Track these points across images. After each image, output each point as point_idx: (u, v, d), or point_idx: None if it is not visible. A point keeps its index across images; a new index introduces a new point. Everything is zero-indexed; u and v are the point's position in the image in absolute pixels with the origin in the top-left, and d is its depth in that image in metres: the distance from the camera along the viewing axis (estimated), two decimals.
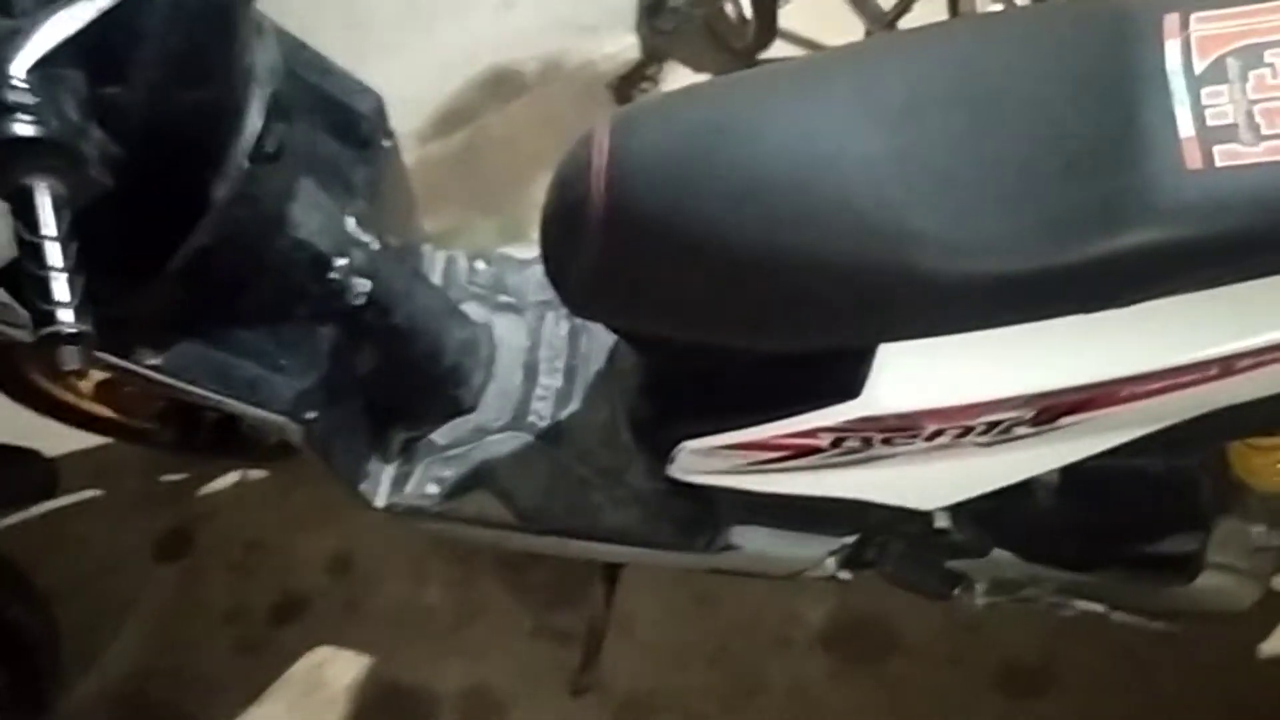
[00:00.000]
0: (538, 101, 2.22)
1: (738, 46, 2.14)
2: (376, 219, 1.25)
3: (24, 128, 0.70)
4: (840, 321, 0.91)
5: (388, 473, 1.38)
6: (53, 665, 1.42)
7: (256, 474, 1.78)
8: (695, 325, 0.98)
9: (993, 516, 1.12)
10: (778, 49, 2.12)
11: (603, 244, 0.96)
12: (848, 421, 0.96)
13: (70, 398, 1.53)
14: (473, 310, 1.46)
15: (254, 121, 1.00)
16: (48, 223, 0.71)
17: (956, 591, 1.18)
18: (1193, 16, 0.83)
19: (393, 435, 1.38)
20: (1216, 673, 1.39)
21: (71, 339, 0.71)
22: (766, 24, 2.06)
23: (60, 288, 0.71)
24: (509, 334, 1.45)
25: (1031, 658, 1.44)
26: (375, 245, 1.22)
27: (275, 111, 1.04)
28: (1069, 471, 1.03)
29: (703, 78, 2.23)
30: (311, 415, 1.17)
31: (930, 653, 1.46)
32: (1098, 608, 1.17)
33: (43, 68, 0.72)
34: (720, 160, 0.92)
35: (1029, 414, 0.90)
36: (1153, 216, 0.78)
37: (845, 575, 1.22)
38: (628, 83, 2.20)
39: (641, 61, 2.21)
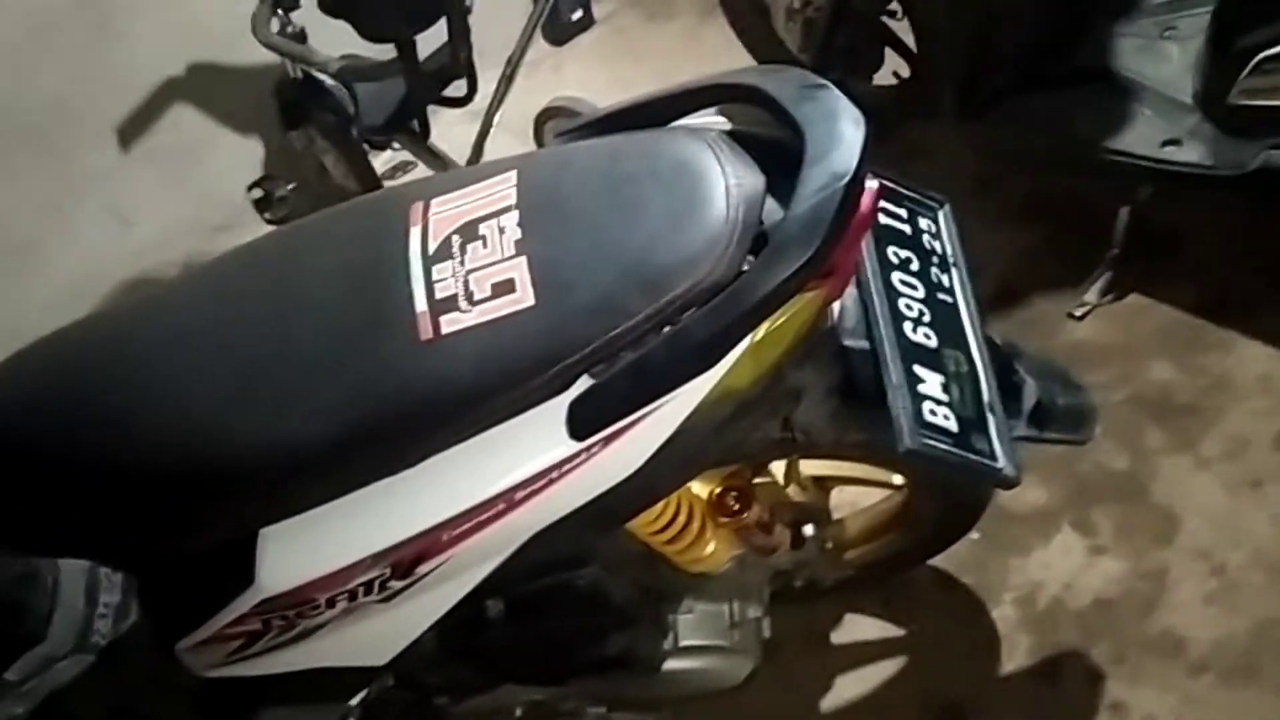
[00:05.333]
0: None
1: None
2: None
3: None
4: (204, 517, 0.98)
5: None
6: None
7: None
8: (95, 543, 1.04)
9: (475, 654, 1.19)
10: None
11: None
12: (256, 606, 1.02)
13: None
14: None
15: None
16: None
17: None
18: (433, 201, 0.95)
19: None
20: None
21: None
22: (368, 183, 2.18)
23: None
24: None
25: None
26: None
27: None
28: (511, 604, 1.12)
29: None
30: None
31: None
32: (601, 710, 1.24)
33: None
34: (85, 393, 1.00)
35: (387, 570, 0.98)
36: (394, 389, 0.89)
37: None
38: None
39: None
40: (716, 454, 1.02)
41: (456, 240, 0.93)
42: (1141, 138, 1.71)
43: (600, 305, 0.86)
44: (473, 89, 1.98)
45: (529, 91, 2.24)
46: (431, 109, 2.05)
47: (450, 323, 0.89)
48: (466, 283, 0.90)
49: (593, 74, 2.57)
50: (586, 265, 0.88)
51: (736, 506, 1.15)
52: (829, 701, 1.48)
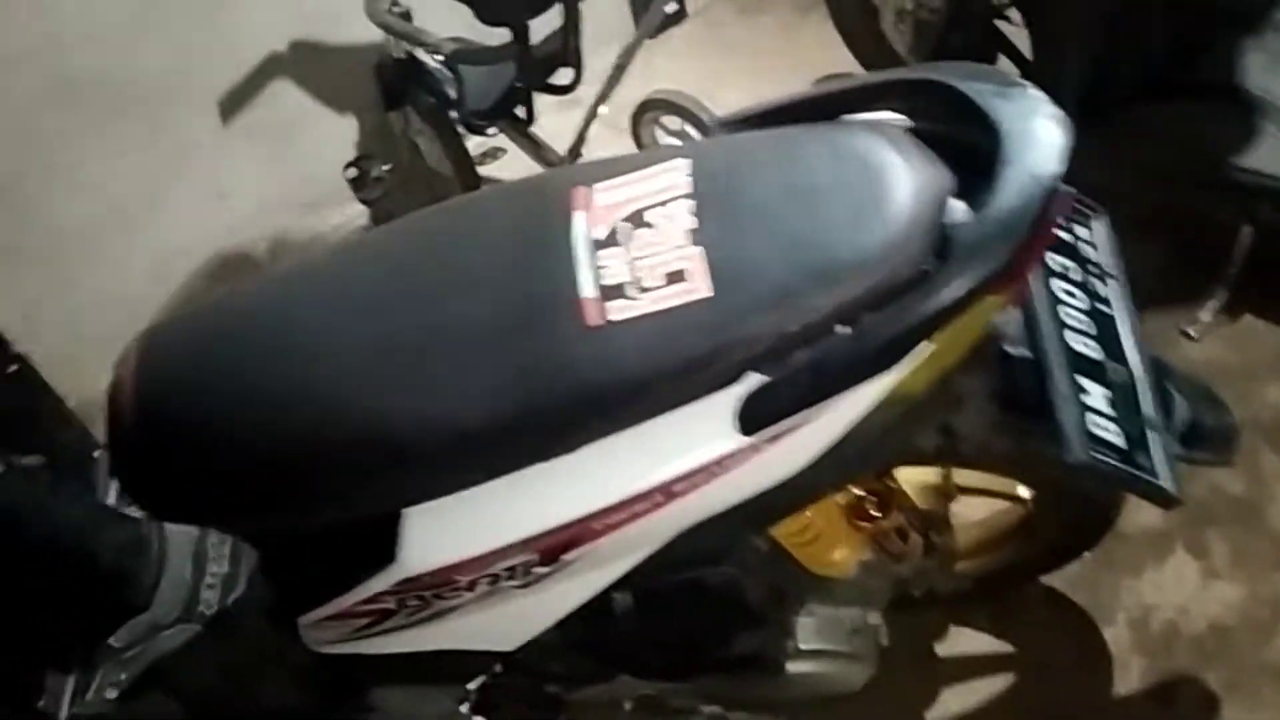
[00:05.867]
0: None
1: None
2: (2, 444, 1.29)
3: None
4: (356, 495, 0.98)
5: (68, 684, 1.39)
6: None
7: None
8: (240, 516, 1.04)
9: (597, 644, 1.18)
10: None
11: (144, 455, 1.02)
12: (395, 585, 1.02)
13: None
14: None
15: None
16: None
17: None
18: (596, 186, 0.94)
19: (71, 646, 1.40)
20: None
21: None
22: (468, 178, 2.18)
23: None
24: (179, 527, 1.49)
25: None
26: None
27: None
28: (640, 596, 1.11)
29: None
30: None
31: None
32: (715, 709, 1.23)
33: None
34: (231, 365, 0.99)
35: (534, 556, 0.97)
36: (560, 373, 0.87)
37: None
38: None
39: (368, 227, 2.31)
40: (879, 458, 1.01)
41: (624, 227, 0.91)
42: (1269, 156, 1.67)
43: (777, 300, 0.85)
44: (578, 77, 1.97)
45: (620, 83, 2.23)
46: None
47: (618, 310, 0.88)
48: (636, 270, 0.89)
49: (685, 67, 2.55)
50: (764, 258, 0.86)
51: (876, 511, 1.13)
52: (935, 713, 1.46)
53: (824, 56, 2.48)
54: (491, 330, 0.92)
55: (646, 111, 2.16)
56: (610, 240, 0.91)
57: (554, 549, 0.97)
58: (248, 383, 0.98)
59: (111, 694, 1.37)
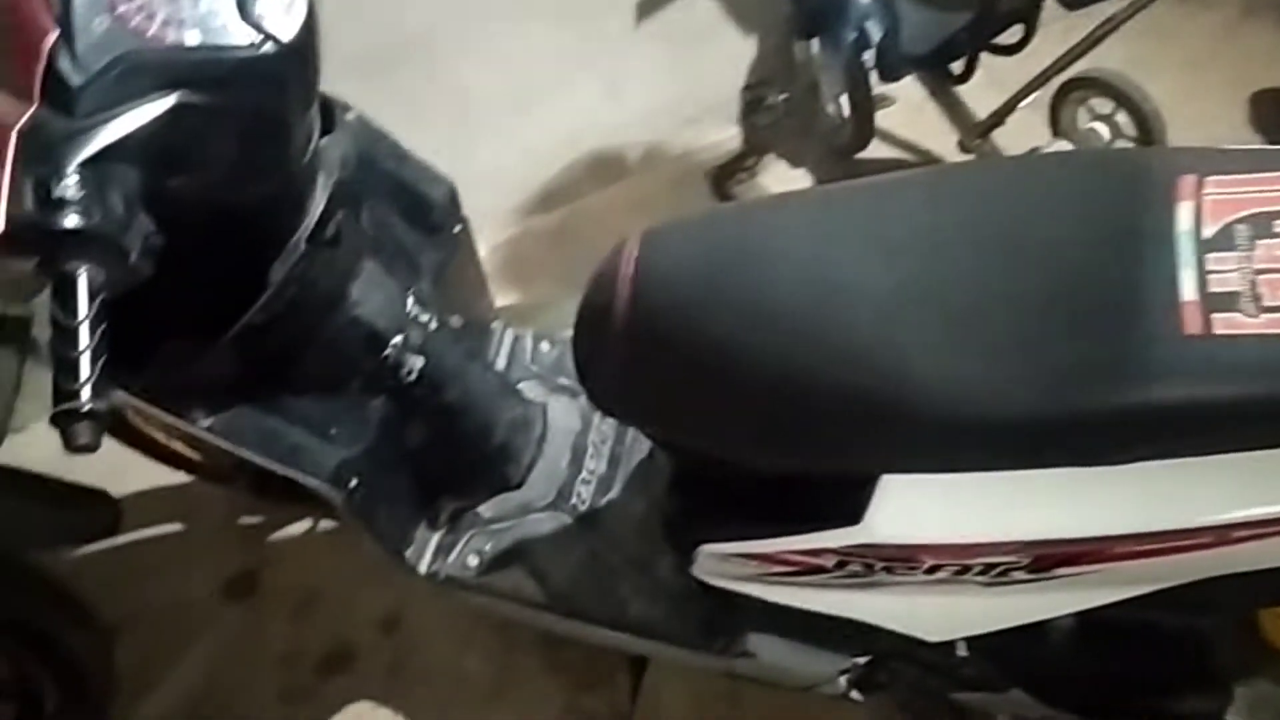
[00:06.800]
0: (636, 186, 2.29)
1: (835, 144, 2.17)
2: (439, 300, 1.31)
3: (71, 220, 0.77)
4: (840, 448, 0.92)
5: (433, 541, 1.42)
6: (105, 692, 1.50)
7: (327, 524, 1.85)
8: (705, 436, 1.00)
9: (1009, 653, 1.10)
10: (874, 149, 2.15)
11: (623, 351, 1.00)
12: (848, 546, 0.96)
13: (157, 435, 1.63)
14: (531, 390, 1.51)
15: (316, 208, 1.08)
16: (82, 308, 0.77)
17: None
18: (1207, 180, 0.83)
19: (442, 505, 1.43)
20: None
21: (85, 416, 0.77)
22: (864, 125, 2.09)
23: (83, 368, 0.77)
24: (562, 416, 1.49)
25: None
26: (433, 325, 1.28)
27: (341, 198, 1.11)
28: (1084, 618, 1.01)
29: (799, 173, 2.27)
30: (354, 483, 1.22)
31: None
32: None
33: (95, 164, 0.78)
34: (736, 281, 0.95)
35: (1025, 560, 0.89)
36: (1144, 379, 0.78)
37: (857, 696, 1.21)
38: (725, 173, 2.25)
39: (741, 153, 2.26)
40: None
41: (1243, 231, 0.80)
42: None
43: None
44: (1028, 37, 1.84)
45: (1033, 54, 2.06)
46: None
47: (1226, 323, 0.77)
48: (1254, 283, 0.78)
49: (1110, 49, 2.33)
50: None
51: None
52: None
53: (1266, 65, 2.25)
54: (1055, 309, 0.83)
55: (1074, 90, 2.00)
56: (1223, 243, 0.80)
57: (1053, 560, 0.88)
58: (752, 303, 0.93)
59: (473, 561, 1.40)
